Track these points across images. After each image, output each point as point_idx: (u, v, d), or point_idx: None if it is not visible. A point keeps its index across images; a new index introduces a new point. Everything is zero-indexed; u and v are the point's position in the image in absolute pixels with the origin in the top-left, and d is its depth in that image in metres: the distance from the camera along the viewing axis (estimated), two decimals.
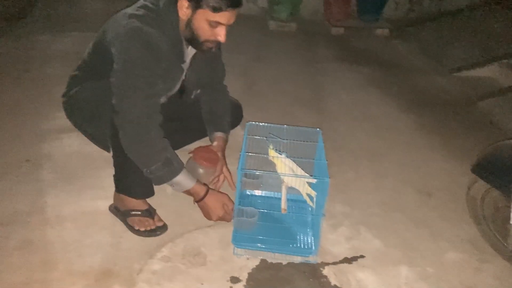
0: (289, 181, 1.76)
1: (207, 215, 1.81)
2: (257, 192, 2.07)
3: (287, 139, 1.87)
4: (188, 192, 1.75)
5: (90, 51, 1.87)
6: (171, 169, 1.65)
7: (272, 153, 1.78)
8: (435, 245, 1.94)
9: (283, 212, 1.72)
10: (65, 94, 1.93)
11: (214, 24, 1.64)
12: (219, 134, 2.06)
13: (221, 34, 1.67)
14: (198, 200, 1.77)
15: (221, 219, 1.80)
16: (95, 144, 1.99)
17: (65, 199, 1.96)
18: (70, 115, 1.95)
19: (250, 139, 1.90)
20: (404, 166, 2.52)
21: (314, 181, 1.74)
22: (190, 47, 1.80)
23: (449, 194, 2.29)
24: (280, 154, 1.80)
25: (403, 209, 2.16)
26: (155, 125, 1.61)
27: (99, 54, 1.79)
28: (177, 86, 1.91)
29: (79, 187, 2.06)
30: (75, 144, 2.33)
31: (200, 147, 2.04)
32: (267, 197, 2.06)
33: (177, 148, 2.03)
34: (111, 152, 1.76)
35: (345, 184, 2.29)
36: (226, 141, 2.08)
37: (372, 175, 2.41)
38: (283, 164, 1.76)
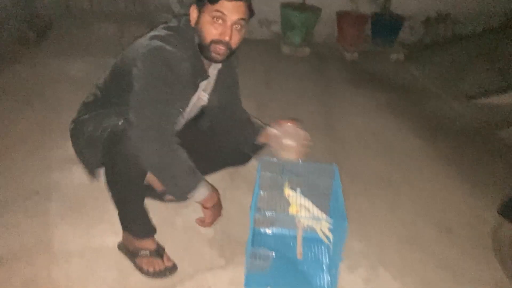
0: (305, 221, 1.69)
1: (209, 219, 1.73)
2: (271, 230, 1.99)
3: (301, 176, 1.80)
4: (203, 199, 1.68)
5: (107, 78, 1.82)
6: (196, 176, 1.61)
7: (287, 191, 1.71)
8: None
9: (298, 257, 1.64)
10: (73, 121, 1.88)
11: (217, 20, 1.59)
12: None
13: (224, 32, 1.60)
14: (209, 206, 1.70)
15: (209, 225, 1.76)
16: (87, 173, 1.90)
17: (72, 234, 1.91)
18: (73, 142, 1.90)
19: (264, 176, 1.83)
20: (421, 197, 2.43)
21: (330, 225, 1.66)
22: (212, 66, 1.77)
23: (471, 230, 2.19)
24: (295, 191, 1.73)
25: (422, 246, 2.06)
26: (173, 134, 1.59)
27: (117, 80, 1.75)
28: (194, 109, 1.87)
29: (88, 221, 2.00)
30: (85, 175, 2.28)
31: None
32: (281, 235, 1.97)
33: None
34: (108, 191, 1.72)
35: (361, 217, 2.20)
36: None
37: (388, 206, 2.32)
38: (299, 203, 1.68)
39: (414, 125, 3.36)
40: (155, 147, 1.52)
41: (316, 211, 1.71)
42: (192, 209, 2.12)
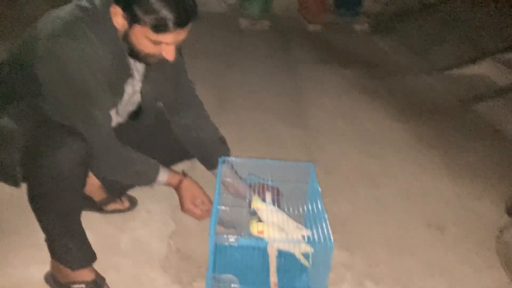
0: (278, 246, 1.34)
1: (186, 200, 1.55)
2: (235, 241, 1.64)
3: (272, 179, 1.46)
4: (168, 177, 1.53)
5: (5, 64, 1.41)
6: (150, 160, 1.50)
7: (256, 204, 1.37)
8: None
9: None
10: None
11: (157, 43, 1.27)
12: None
13: (168, 53, 1.30)
14: (175, 188, 1.55)
15: (189, 212, 1.55)
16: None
17: None
18: None
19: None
20: (406, 192, 2.15)
21: (311, 249, 1.32)
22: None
23: (464, 227, 1.93)
24: (264, 202, 1.39)
25: (413, 250, 1.78)
26: (111, 135, 1.43)
27: (16, 71, 1.36)
28: (130, 106, 1.55)
29: (8, 245, 1.62)
30: (6, 187, 1.86)
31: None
32: (249, 247, 1.62)
33: None
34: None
35: (342, 221, 1.89)
36: None
37: (372, 206, 2.03)
38: (270, 221, 1.34)
39: (388, 105, 3.08)
40: (104, 157, 1.39)
41: (291, 227, 1.37)
42: (141, 221, 1.82)
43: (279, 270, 1.33)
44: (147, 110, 1.59)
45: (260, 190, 1.53)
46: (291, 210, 1.48)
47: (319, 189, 1.45)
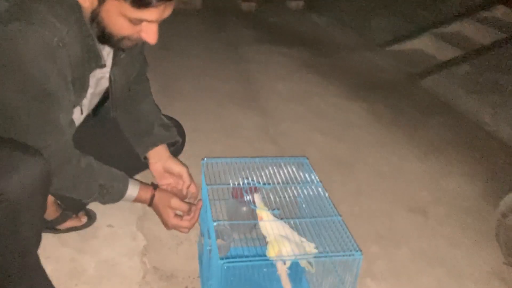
0: (288, 261, 1.17)
1: (163, 223, 1.35)
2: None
3: (269, 183, 1.27)
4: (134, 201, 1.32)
5: None
6: (117, 173, 1.27)
7: (261, 213, 1.19)
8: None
9: None
10: None
11: (136, 22, 1.01)
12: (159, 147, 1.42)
13: (149, 34, 1.05)
14: (149, 205, 1.34)
15: (177, 228, 1.34)
16: None
17: None
18: None
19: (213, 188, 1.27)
20: (381, 176, 2.07)
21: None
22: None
23: (444, 208, 1.90)
24: (268, 212, 1.20)
25: (404, 240, 1.70)
26: (72, 145, 1.17)
27: None
28: (96, 97, 1.30)
29: None
30: None
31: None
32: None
33: None
34: None
35: None
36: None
37: (349, 194, 1.91)
38: (280, 238, 1.16)
39: (340, 84, 3.00)
40: (61, 171, 1.11)
41: (297, 239, 1.20)
42: (103, 238, 1.56)
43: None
44: (116, 100, 1.32)
45: (246, 193, 1.33)
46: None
47: (322, 187, 1.30)
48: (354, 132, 2.42)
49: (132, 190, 1.28)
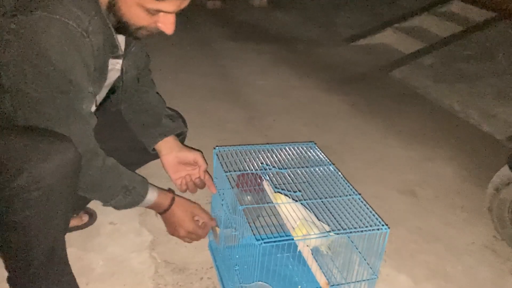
0: (313, 242, 1.19)
1: (173, 230, 1.33)
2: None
3: (284, 168, 1.29)
4: (150, 206, 1.28)
5: None
6: (136, 176, 1.24)
7: (280, 197, 1.20)
8: (458, 261, 1.59)
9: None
10: None
11: (154, 12, 1.02)
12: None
13: (166, 24, 1.06)
14: (162, 212, 1.30)
15: (191, 235, 1.33)
16: None
17: None
18: None
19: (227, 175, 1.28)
20: (369, 164, 2.14)
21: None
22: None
23: (431, 190, 1.99)
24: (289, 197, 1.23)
25: (401, 221, 1.76)
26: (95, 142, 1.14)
27: None
28: (107, 88, 1.28)
29: None
30: None
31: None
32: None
33: None
34: None
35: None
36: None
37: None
38: (304, 220, 1.18)
39: (316, 78, 3.07)
40: (87, 167, 1.07)
41: (315, 220, 1.23)
42: (107, 236, 1.53)
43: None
44: (125, 92, 1.30)
45: (253, 181, 1.35)
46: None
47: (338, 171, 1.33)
48: (337, 124, 2.49)
49: (152, 194, 1.25)
